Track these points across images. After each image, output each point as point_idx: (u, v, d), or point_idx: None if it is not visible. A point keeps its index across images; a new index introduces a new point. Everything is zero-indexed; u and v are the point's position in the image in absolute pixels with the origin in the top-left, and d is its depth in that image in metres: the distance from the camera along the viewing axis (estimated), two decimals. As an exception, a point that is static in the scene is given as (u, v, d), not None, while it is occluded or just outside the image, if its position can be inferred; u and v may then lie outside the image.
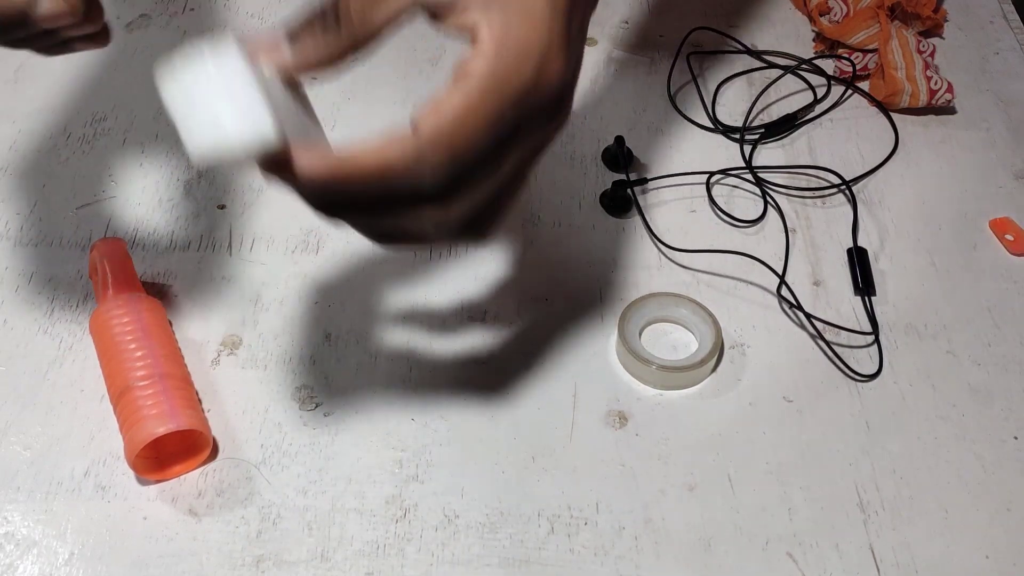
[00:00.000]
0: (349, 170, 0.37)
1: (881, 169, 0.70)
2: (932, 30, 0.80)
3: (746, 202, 0.67)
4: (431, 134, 0.37)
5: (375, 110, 0.74)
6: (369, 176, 0.37)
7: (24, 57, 0.77)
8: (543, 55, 0.38)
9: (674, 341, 0.59)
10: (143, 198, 0.66)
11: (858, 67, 0.76)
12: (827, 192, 0.68)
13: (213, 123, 0.36)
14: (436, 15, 0.39)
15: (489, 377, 0.57)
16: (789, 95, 0.76)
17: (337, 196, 0.38)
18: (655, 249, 0.64)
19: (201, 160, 0.37)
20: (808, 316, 0.58)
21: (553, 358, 0.58)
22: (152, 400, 0.50)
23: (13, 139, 0.70)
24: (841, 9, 0.79)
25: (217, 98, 0.36)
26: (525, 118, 0.38)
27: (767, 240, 0.65)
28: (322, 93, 0.74)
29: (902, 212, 0.67)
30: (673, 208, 0.67)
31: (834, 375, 0.57)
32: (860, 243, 0.64)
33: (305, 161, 0.37)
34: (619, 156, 0.69)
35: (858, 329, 0.59)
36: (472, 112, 0.37)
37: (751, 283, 0.62)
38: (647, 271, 0.63)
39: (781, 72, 0.77)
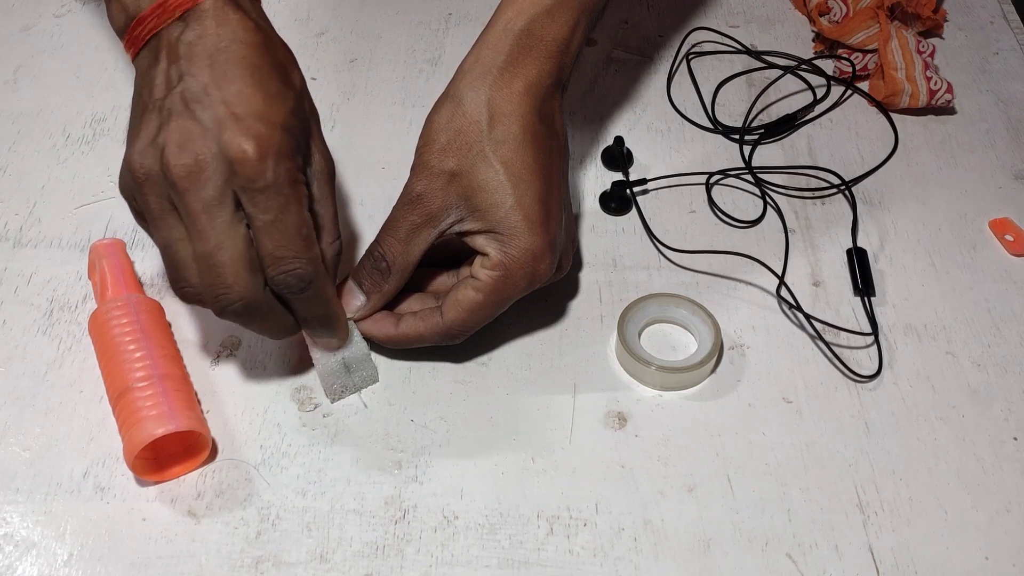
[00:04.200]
0: (402, 336, 0.56)
1: (881, 169, 0.70)
2: (932, 30, 0.80)
3: (746, 203, 0.67)
4: (451, 320, 0.54)
5: (375, 110, 0.74)
6: (413, 340, 0.56)
7: (24, 57, 0.77)
8: (533, 262, 0.53)
9: (673, 342, 0.59)
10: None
11: (858, 67, 0.76)
12: (827, 192, 0.68)
13: (343, 387, 0.56)
14: (458, 236, 0.55)
15: (488, 378, 0.57)
16: (789, 95, 0.76)
17: (394, 346, 0.57)
18: (654, 250, 0.64)
19: (335, 401, 0.56)
20: (808, 317, 0.58)
21: (552, 359, 0.58)
22: (151, 401, 0.50)
23: (13, 139, 0.71)
24: (841, 9, 0.79)
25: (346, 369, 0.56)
26: (522, 296, 0.55)
27: (766, 241, 0.65)
28: (322, 93, 0.74)
29: (902, 212, 0.67)
30: (673, 208, 0.67)
31: (834, 376, 0.57)
32: (860, 243, 0.64)
33: (380, 333, 0.56)
34: (619, 156, 0.69)
35: (857, 330, 0.59)
36: (480, 307, 0.54)
37: (750, 284, 0.62)
38: (647, 272, 0.63)
39: (781, 72, 0.77)
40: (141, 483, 0.52)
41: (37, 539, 0.50)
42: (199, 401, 0.55)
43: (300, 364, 0.57)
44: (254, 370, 0.57)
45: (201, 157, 0.47)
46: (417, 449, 0.54)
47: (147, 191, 0.48)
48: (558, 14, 0.55)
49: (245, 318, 0.50)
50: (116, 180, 0.67)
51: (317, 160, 0.53)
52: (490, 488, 0.52)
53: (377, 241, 0.55)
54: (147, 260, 0.63)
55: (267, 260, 0.49)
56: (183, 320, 0.59)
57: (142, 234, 0.64)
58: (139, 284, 0.59)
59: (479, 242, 0.54)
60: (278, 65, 0.51)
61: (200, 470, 0.52)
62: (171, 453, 0.52)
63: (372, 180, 0.68)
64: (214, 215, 0.47)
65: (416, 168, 0.54)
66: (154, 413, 0.50)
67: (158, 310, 0.57)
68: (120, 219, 0.65)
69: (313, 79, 0.76)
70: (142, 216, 0.50)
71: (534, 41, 0.55)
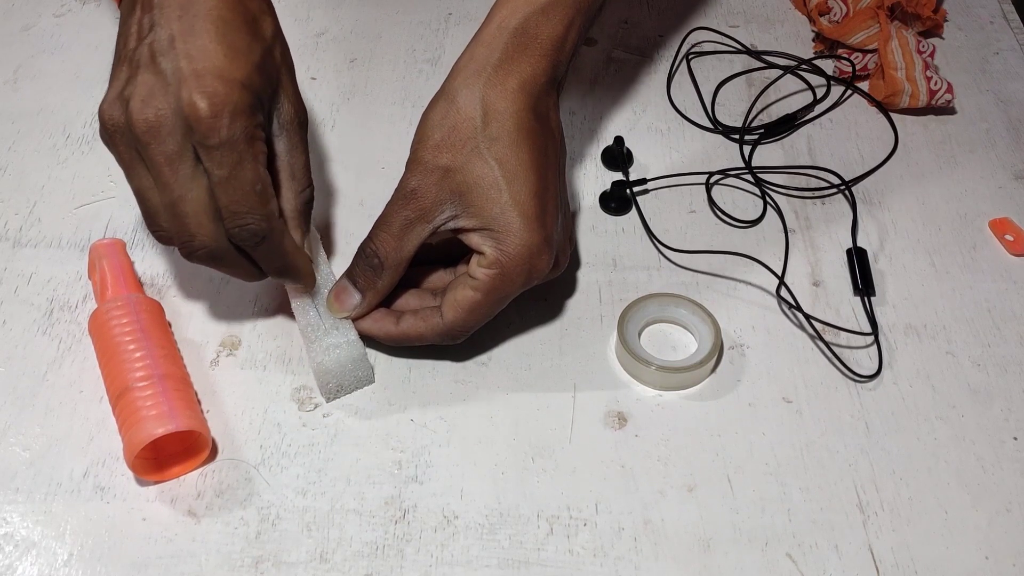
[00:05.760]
0: (402, 335, 0.56)
1: (881, 169, 0.70)
2: (932, 30, 0.80)
3: (745, 202, 0.67)
4: (451, 320, 0.54)
5: (375, 110, 0.74)
6: (414, 340, 0.56)
7: (24, 58, 0.77)
8: (530, 259, 0.53)
9: (673, 342, 0.59)
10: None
11: (858, 67, 0.76)
12: (827, 192, 0.68)
13: (338, 387, 0.56)
14: (453, 233, 0.54)
15: (488, 378, 0.57)
16: (789, 95, 0.76)
17: (394, 344, 0.57)
18: (654, 250, 0.64)
19: (329, 400, 0.56)
20: (807, 317, 0.58)
21: (552, 359, 0.58)
22: (151, 401, 0.50)
23: (13, 139, 0.71)
24: (841, 9, 0.79)
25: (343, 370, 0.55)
26: (521, 293, 0.55)
27: (766, 241, 0.65)
28: (322, 93, 0.75)
29: (902, 212, 0.67)
30: (673, 208, 0.67)
31: (833, 376, 0.57)
32: (860, 243, 0.64)
33: (380, 332, 0.56)
34: (619, 156, 0.69)
35: (857, 330, 0.59)
36: (479, 306, 0.54)
37: (750, 284, 0.62)
38: (646, 271, 0.63)
39: (781, 72, 0.77)
40: (141, 483, 0.52)
41: (37, 539, 0.50)
42: (199, 401, 0.55)
43: (300, 364, 0.57)
44: (254, 370, 0.57)
45: (161, 112, 0.49)
46: (417, 449, 0.54)
47: (117, 141, 0.51)
48: (553, 12, 0.55)
49: (210, 263, 0.52)
50: (116, 180, 0.67)
51: (287, 110, 0.54)
52: (490, 488, 0.52)
53: (369, 237, 0.55)
54: (147, 260, 0.63)
55: (224, 213, 0.51)
56: (183, 320, 0.59)
57: (142, 234, 0.64)
58: (139, 284, 0.59)
59: (474, 240, 0.54)
60: (248, 18, 0.52)
61: (200, 470, 0.52)
62: (171, 453, 0.52)
63: (372, 180, 0.68)
64: (176, 167, 0.49)
65: (410, 164, 0.54)
66: (154, 413, 0.50)
67: (158, 310, 0.57)
68: (120, 219, 0.65)
69: (313, 79, 0.76)
70: (119, 163, 0.52)
71: (528, 39, 0.55)
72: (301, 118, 0.55)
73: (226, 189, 0.50)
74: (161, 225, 0.51)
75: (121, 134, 0.50)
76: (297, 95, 0.55)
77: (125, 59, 0.51)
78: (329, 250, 0.63)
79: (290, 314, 0.59)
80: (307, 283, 0.56)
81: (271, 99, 0.53)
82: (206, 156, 0.50)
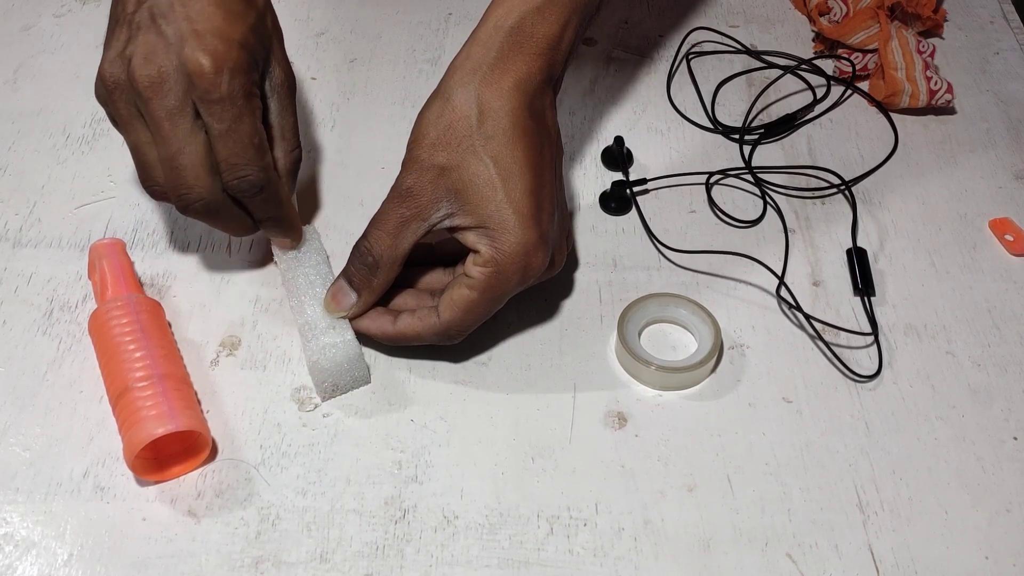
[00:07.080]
0: (399, 334, 0.55)
1: (881, 169, 0.70)
2: (932, 30, 0.80)
3: (745, 203, 0.67)
4: (448, 320, 0.54)
5: (375, 110, 0.74)
6: (411, 339, 0.56)
7: (24, 58, 0.77)
8: (525, 256, 0.53)
9: (673, 342, 0.59)
10: (143, 198, 0.66)
11: (858, 67, 0.76)
12: (827, 192, 0.68)
13: (334, 387, 0.56)
14: (449, 232, 0.55)
15: (488, 378, 0.57)
16: (789, 95, 0.76)
17: (391, 343, 0.57)
18: (654, 250, 0.64)
19: (325, 399, 0.56)
20: (807, 317, 0.58)
21: (552, 359, 0.58)
22: (151, 401, 0.50)
23: (13, 139, 0.71)
24: (841, 9, 0.79)
25: (339, 373, 0.55)
26: (517, 292, 0.55)
27: (766, 241, 0.65)
28: (322, 93, 0.75)
29: (902, 212, 0.67)
30: (672, 208, 0.67)
31: (833, 376, 0.57)
32: (860, 243, 0.64)
33: (377, 331, 0.56)
34: (619, 156, 0.69)
35: (857, 330, 0.59)
36: (475, 305, 0.54)
37: (750, 284, 0.62)
38: (646, 271, 0.63)
39: (781, 72, 0.77)
40: (141, 483, 0.52)
41: (37, 539, 0.50)
42: (199, 401, 0.55)
43: (300, 364, 0.57)
44: (254, 370, 0.57)
45: (163, 69, 0.52)
46: (417, 449, 0.54)
47: (116, 98, 0.53)
48: (548, 12, 0.55)
49: (205, 216, 0.55)
50: (116, 180, 0.67)
51: (277, 74, 0.57)
52: (490, 488, 0.52)
53: (364, 236, 0.55)
54: (147, 260, 0.63)
55: (223, 166, 0.53)
56: (183, 320, 0.59)
57: (142, 234, 0.64)
58: (139, 284, 0.59)
59: (470, 239, 0.54)
60: None
61: (200, 470, 0.52)
62: (171, 453, 0.52)
63: (372, 180, 0.68)
64: (176, 122, 0.52)
65: (406, 163, 0.55)
66: (154, 413, 0.50)
67: (158, 310, 0.57)
68: (120, 219, 0.65)
69: (313, 79, 0.76)
70: (115, 121, 0.55)
71: (524, 38, 0.55)
72: (291, 82, 0.58)
73: (226, 142, 0.53)
74: (157, 180, 0.54)
75: (121, 91, 0.52)
76: (286, 61, 0.58)
77: (124, 22, 0.53)
78: (328, 250, 0.63)
79: (290, 315, 0.59)
80: (295, 237, 0.59)
81: (264, 63, 0.56)
82: (206, 111, 0.52)
